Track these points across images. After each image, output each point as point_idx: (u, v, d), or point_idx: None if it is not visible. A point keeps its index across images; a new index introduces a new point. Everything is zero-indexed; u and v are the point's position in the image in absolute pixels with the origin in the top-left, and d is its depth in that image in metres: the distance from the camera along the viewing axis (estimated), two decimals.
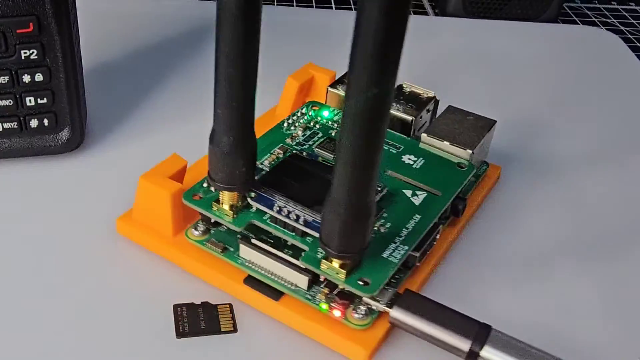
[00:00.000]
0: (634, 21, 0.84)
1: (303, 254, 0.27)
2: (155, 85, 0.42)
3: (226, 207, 0.28)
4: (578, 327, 0.29)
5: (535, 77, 0.48)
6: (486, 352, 0.25)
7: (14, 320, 0.27)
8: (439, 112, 0.35)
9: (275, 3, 0.80)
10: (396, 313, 0.26)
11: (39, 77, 0.32)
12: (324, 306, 0.26)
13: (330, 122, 0.34)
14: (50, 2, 0.31)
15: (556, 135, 0.41)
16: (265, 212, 0.28)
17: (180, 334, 0.27)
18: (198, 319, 0.27)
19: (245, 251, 0.28)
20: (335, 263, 0.26)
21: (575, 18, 0.84)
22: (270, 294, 0.27)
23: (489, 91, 0.45)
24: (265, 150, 0.31)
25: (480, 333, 0.25)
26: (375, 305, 0.26)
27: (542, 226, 0.34)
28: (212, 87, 0.25)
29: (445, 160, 0.32)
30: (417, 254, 0.28)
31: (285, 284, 0.27)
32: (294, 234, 0.27)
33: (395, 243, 0.27)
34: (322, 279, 0.27)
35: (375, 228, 0.28)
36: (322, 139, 0.33)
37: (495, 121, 0.34)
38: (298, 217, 0.27)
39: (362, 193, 0.23)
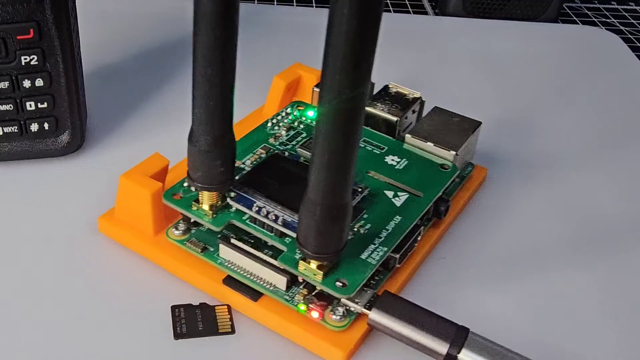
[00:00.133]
0: (634, 21, 0.84)
1: (281, 254, 0.27)
2: (155, 86, 0.42)
3: (206, 206, 0.28)
4: (558, 330, 0.29)
5: (535, 77, 0.47)
6: (464, 355, 0.25)
7: (5, 322, 0.27)
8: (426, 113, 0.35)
9: (275, 3, 0.80)
10: (374, 315, 0.26)
11: (39, 82, 0.32)
12: (302, 307, 0.26)
13: (314, 122, 0.34)
14: (50, 8, 0.31)
15: (553, 136, 0.41)
16: (245, 212, 0.28)
17: (178, 335, 0.27)
18: (196, 320, 0.27)
19: (224, 251, 0.28)
20: (313, 264, 0.26)
21: (575, 18, 0.84)
22: (249, 294, 0.27)
23: (487, 92, 0.45)
24: (247, 150, 0.31)
25: (458, 336, 0.25)
26: (353, 306, 0.26)
27: (526, 228, 0.34)
28: None
29: (428, 162, 0.32)
30: (397, 256, 0.28)
31: (264, 284, 0.27)
32: (272, 234, 0.27)
33: (374, 244, 0.27)
34: (300, 280, 0.27)
35: (355, 229, 0.28)
36: (306, 139, 0.33)
37: (480, 122, 0.34)
38: (277, 217, 0.27)
39: (338, 194, 0.23)
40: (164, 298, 0.28)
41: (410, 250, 0.29)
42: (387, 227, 0.28)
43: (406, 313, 0.26)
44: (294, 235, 0.26)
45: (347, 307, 0.26)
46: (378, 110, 0.34)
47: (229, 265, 0.28)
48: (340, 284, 0.25)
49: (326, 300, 0.27)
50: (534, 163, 0.38)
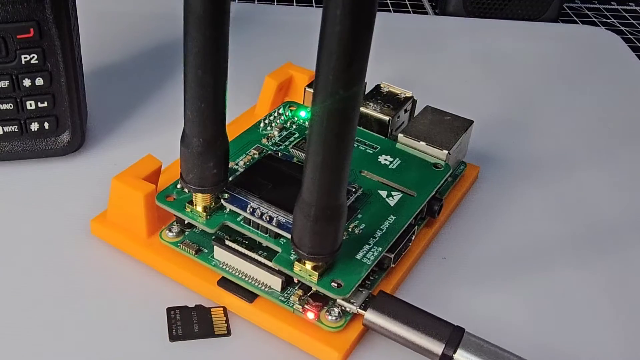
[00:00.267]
0: (634, 21, 0.84)
1: (276, 255, 0.26)
2: (155, 86, 0.42)
3: (199, 208, 0.28)
4: (554, 329, 0.29)
5: (534, 77, 0.47)
6: (459, 355, 0.25)
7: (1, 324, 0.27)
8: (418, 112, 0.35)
9: (275, 2, 0.80)
10: (370, 315, 0.26)
11: (39, 82, 0.32)
12: (298, 308, 0.26)
13: (307, 123, 0.34)
14: (50, 7, 0.30)
15: (551, 135, 0.41)
16: (239, 214, 0.28)
17: (173, 337, 0.26)
18: (192, 322, 0.27)
19: (219, 253, 0.28)
20: (308, 265, 0.25)
21: (575, 18, 0.84)
22: (244, 295, 0.27)
23: (485, 91, 0.45)
24: (240, 151, 0.31)
25: (453, 336, 0.25)
26: (348, 307, 0.26)
27: (519, 227, 0.34)
28: None
29: (421, 161, 0.32)
30: (392, 255, 0.28)
31: (259, 285, 0.27)
32: (267, 235, 0.27)
33: (369, 244, 0.27)
34: (295, 280, 0.27)
35: (349, 229, 0.28)
36: (298, 139, 0.33)
37: (472, 121, 0.34)
38: (271, 218, 0.27)
39: (332, 195, 0.23)
40: (159, 300, 0.28)
41: (405, 249, 0.29)
42: (381, 227, 0.28)
43: (402, 313, 0.26)
44: (288, 236, 0.26)
45: (343, 308, 0.26)
46: (370, 110, 0.34)
47: (224, 267, 0.28)
48: (336, 285, 0.25)
49: (321, 301, 0.27)
50: (529, 162, 0.38)
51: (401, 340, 0.26)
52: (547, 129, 0.42)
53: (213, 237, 0.28)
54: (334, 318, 0.26)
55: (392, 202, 0.30)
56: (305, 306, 0.26)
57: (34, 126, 0.33)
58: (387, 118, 0.34)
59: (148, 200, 0.28)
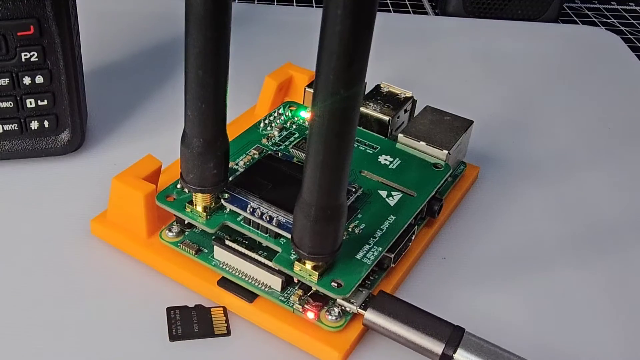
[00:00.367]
0: (634, 21, 0.84)
1: (276, 255, 0.26)
2: (155, 86, 0.42)
3: (199, 208, 0.28)
4: (554, 329, 0.29)
5: (534, 77, 0.48)
6: (459, 355, 0.25)
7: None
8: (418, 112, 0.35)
9: (275, 3, 0.80)
10: (370, 315, 0.26)
11: (39, 80, 0.32)
12: (298, 308, 0.26)
13: (306, 122, 0.34)
14: (50, 4, 0.30)
15: (551, 135, 0.41)
16: (239, 214, 0.28)
17: (173, 337, 0.26)
18: (191, 322, 0.27)
19: (219, 253, 0.28)
20: (308, 265, 0.25)
21: (575, 18, 0.84)
22: (244, 295, 0.27)
23: (485, 91, 0.45)
24: (240, 151, 0.31)
25: (453, 336, 0.25)
26: (349, 307, 0.26)
27: (519, 227, 0.34)
28: None
29: (421, 161, 0.32)
30: (392, 255, 0.28)
31: (259, 285, 0.27)
32: (267, 235, 0.27)
33: (369, 244, 0.27)
34: (295, 280, 0.27)
35: (350, 229, 0.28)
36: (298, 139, 0.33)
37: (472, 121, 0.34)
38: (271, 218, 0.27)
39: (332, 195, 0.23)
40: (159, 300, 0.28)
41: (405, 249, 0.29)
42: (381, 227, 0.28)
43: (402, 313, 0.26)
44: (288, 236, 0.26)
45: (343, 308, 0.26)
46: (370, 110, 0.34)
47: (224, 267, 0.28)
48: (336, 285, 0.25)
49: (321, 301, 0.27)
50: (529, 162, 0.38)
51: (401, 340, 0.26)
52: (547, 129, 0.42)
53: (213, 237, 0.28)
54: (334, 318, 0.26)
55: (392, 202, 0.30)
56: (305, 306, 0.26)
57: (34, 125, 0.33)
58: (387, 118, 0.34)
59: (148, 200, 0.28)
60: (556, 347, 0.28)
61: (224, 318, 0.27)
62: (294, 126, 0.34)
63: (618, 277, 0.31)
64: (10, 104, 0.32)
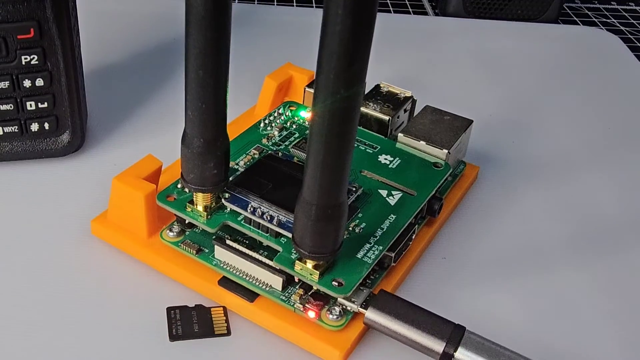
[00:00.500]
0: (634, 21, 0.84)
1: (277, 254, 0.27)
2: (155, 86, 0.42)
3: (200, 208, 0.28)
4: (554, 328, 0.29)
5: (534, 77, 0.48)
6: (460, 353, 0.25)
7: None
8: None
9: (275, 3, 0.80)
10: (370, 314, 0.26)
11: (39, 82, 0.32)
12: (299, 307, 0.26)
13: (306, 122, 0.34)
14: (51, 7, 0.30)
15: (551, 135, 0.41)
16: (240, 213, 0.28)
17: (173, 337, 0.27)
18: (191, 322, 0.27)
19: (220, 252, 0.28)
20: (309, 264, 0.26)
21: (575, 18, 0.84)
22: (245, 295, 0.27)
23: (485, 91, 0.45)
24: (240, 151, 0.31)
25: (454, 334, 0.25)
26: (349, 306, 0.26)
27: (519, 226, 0.34)
28: None
29: (421, 160, 0.32)
30: (392, 254, 0.28)
31: (260, 285, 0.27)
32: (268, 234, 0.27)
33: (369, 243, 0.27)
34: (296, 279, 0.27)
35: (350, 228, 0.28)
36: (298, 139, 0.33)
37: (472, 121, 0.34)
38: (272, 217, 0.27)
39: (333, 194, 0.23)
40: (159, 300, 0.28)
41: (405, 249, 0.29)
42: (382, 226, 0.28)
43: (402, 312, 0.26)
44: (289, 235, 0.26)
45: (344, 307, 0.26)
46: (370, 110, 0.34)
47: (225, 267, 0.28)
48: (337, 284, 0.26)
49: (322, 300, 0.27)
50: (529, 162, 0.38)
51: (402, 338, 0.26)
52: (547, 129, 0.42)
53: (214, 236, 0.28)
54: (335, 317, 0.26)
55: (392, 201, 0.30)
56: (306, 305, 0.26)
57: (34, 126, 0.33)
58: (386, 118, 0.34)
59: (149, 200, 0.29)
60: (559, 346, 0.28)
61: (224, 318, 0.27)
62: (294, 126, 0.34)
63: (618, 276, 0.31)
64: (11, 106, 0.32)
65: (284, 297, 0.27)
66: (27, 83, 0.32)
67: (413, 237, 0.29)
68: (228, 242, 0.28)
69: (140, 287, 0.28)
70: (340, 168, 0.23)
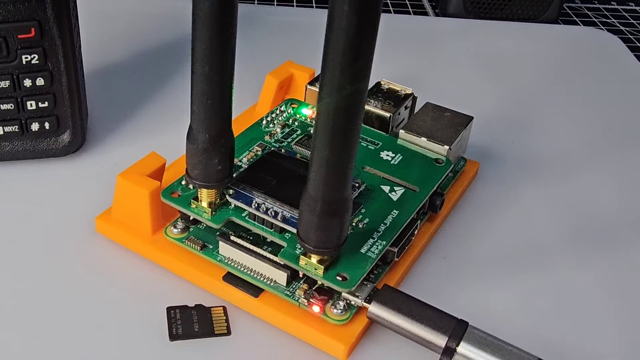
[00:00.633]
0: (634, 21, 0.85)
1: (281, 250, 0.27)
2: (155, 86, 0.42)
3: (204, 204, 0.28)
4: (556, 323, 0.29)
5: (534, 77, 0.48)
6: (463, 348, 0.25)
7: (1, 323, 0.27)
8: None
9: (275, 3, 0.80)
10: (374, 308, 0.26)
11: (40, 82, 0.32)
12: (303, 302, 0.27)
13: (308, 119, 0.34)
14: (51, 7, 0.30)
15: (549, 134, 0.41)
16: (244, 209, 0.28)
17: (173, 336, 0.27)
18: (192, 322, 0.27)
19: (224, 248, 0.28)
20: (314, 259, 0.26)
21: (575, 18, 0.85)
22: (250, 290, 0.27)
23: (485, 91, 0.45)
24: (243, 148, 0.32)
25: (457, 329, 0.25)
26: (353, 300, 0.27)
27: (519, 222, 0.34)
28: None
29: (422, 156, 0.32)
30: (395, 249, 0.28)
31: (265, 280, 0.27)
32: (272, 230, 0.27)
33: (373, 238, 0.28)
34: (301, 274, 0.27)
35: (353, 223, 0.28)
36: (301, 136, 0.33)
37: (472, 117, 0.34)
38: (276, 213, 0.27)
39: (338, 189, 0.24)
40: (161, 299, 0.28)
41: (408, 244, 0.29)
42: (385, 221, 0.28)
43: (405, 306, 0.26)
44: (293, 230, 0.27)
45: (348, 301, 0.27)
46: (371, 107, 0.34)
47: (229, 262, 0.28)
48: (341, 278, 0.26)
49: (326, 295, 0.27)
50: (529, 159, 0.39)
51: (405, 333, 0.26)
52: (547, 128, 0.42)
53: (218, 232, 0.28)
54: (339, 311, 0.26)
55: (394, 196, 0.30)
56: (311, 300, 0.27)
57: (35, 126, 0.33)
58: (388, 115, 0.34)
59: (153, 197, 0.29)
60: (560, 341, 0.28)
61: (224, 317, 0.27)
62: (296, 123, 0.34)
63: (617, 273, 0.32)
64: (11, 106, 0.32)
65: (288, 292, 0.27)
66: (27, 83, 0.32)
67: (415, 232, 0.30)
68: (232, 238, 0.28)
69: (142, 286, 0.29)
70: (345, 163, 0.23)
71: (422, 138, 0.33)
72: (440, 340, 0.25)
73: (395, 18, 0.64)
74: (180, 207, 0.28)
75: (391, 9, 0.83)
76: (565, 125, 0.42)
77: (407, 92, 0.35)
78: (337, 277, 0.26)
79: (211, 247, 0.28)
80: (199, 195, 0.28)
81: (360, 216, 0.29)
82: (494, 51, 0.50)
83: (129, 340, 0.26)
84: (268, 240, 0.28)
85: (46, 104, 0.33)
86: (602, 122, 0.43)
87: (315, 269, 0.26)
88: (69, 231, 0.31)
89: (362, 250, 0.27)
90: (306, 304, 0.27)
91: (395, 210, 0.29)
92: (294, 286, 0.27)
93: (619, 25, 0.82)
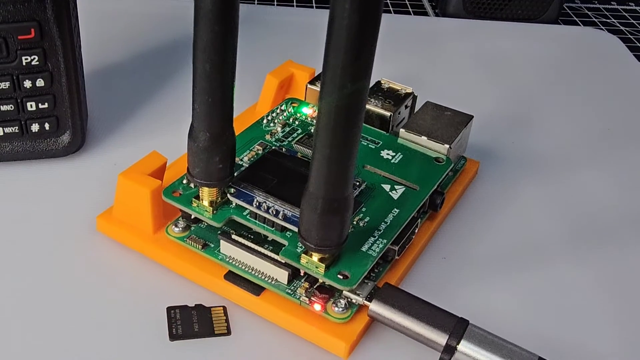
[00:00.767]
0: (634, 21, 0.85)
1: (282, 248, 0.27)
2: (155, 86, 0.42)
3: (206, 203, 0.28)
4: (556, 322, 0.29)
5: (534, 77, 0.48)
6: (463, 346, 0.25)
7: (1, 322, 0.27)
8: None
9: (275, 3, 0.80)
10: (375, 306, 0.26)
11: (40, 83, 0.32)
12: (305, 300, 0.27)
13: (309, 119, 0.34)
14: (51, 7, 0.30)
15: (549, 134, 0.41)
16: (245, 208, 0.28)
17: (173, 336, 0.27)
18: (191, 322, 0.27)
19: (225, 247, 0.28)
20: (315, 257, 0.26)
21: (575, 18, 0.85)
22: (251, 289, 0.27)
23: (485, 91, 0.45)
24: (244, 147, 0.32)
25: (457, 327, 0.25)
26: (355, 298, 0.27)
27: (519, 221, 0.34)
28: None
29: (423, 155, 0.32)
30: (396, 248, 0.28)
31: (266, 278, 0.27)
32: (273, 229, 0.27)
33: (374, 237, 0.28)
34: (302, 273, 0.27)
35: (354, 222, 0.28)
36: (301, 135, 0.33)
37: (472, 116, 0.34)
38: (277, 212, 0.27)
39: (339, 187, 0.24)
40: (161, 298, 0.28)
41: (409, 242, 0.29)
42: (385, 220, 0.28)
43: (406, 304, 0.26)
44: (294, 229, 0.27)
45: (349, 299, 0.27)
46: (371, 106, 0.34)
47: (230, 261, 0.28)
48: (342, 276, 0.26)
49: (328, 293, 0.27)
50: (529, 158, 0.39)
51: (406, 331, 0.26)
52: (547, 127, 0.42)
53: (219, 231, 0.28)
54: (340, 309, 0.26)
55: (395, 195, 0.30)
56: (312, 298, 0.27)
57: (35, 127, 0.33)
58: (388, 114, 0.34)
59: (154, 196, 0.29)
60: (560, 339, 0.28)
61: (224, 317, 0.27)
62: (297, 122, 0.34)
63: (616, 272, 0.32)
64: (11, 107, 0.32)
65: (289, 291, 0.27)
66: (27, 83, 0.32)
67: (416, 231, 0.30)
68: (234, 236, 0.28)
69: (142, 286, 0.29)
70: (346, 161, 0.23)
71: (423, 137, 0.33)
72: (441, 339, 0.25)
73: (395, 18, 0.64)
74: (182, 205, 0.28)
75: (391, 9, 0.83)
76: (565, 125, 0.43)
77: (408, 91, 0.35)
78: (338, 276, 0.26)
79: (212, 245, 0.29)
80: (200, 194, 0.28)
81: (361, 215, 0.29)
82: (494, 51, 0.51)
83: (129, 340, 0.26)
84: (269, 238, 0.28)
85: (46, 105, 0.33)
86: (602, 122, 0.44)
87: (317, 267, 0.26)
88: (69, 231, 0.31)
89: (363, 249, 0.27)
90: (307, 302, 0.27)
91: (395, 209, 0.29)
92: (295, 284, 0.27)
93: (619, 25, 0.82)
